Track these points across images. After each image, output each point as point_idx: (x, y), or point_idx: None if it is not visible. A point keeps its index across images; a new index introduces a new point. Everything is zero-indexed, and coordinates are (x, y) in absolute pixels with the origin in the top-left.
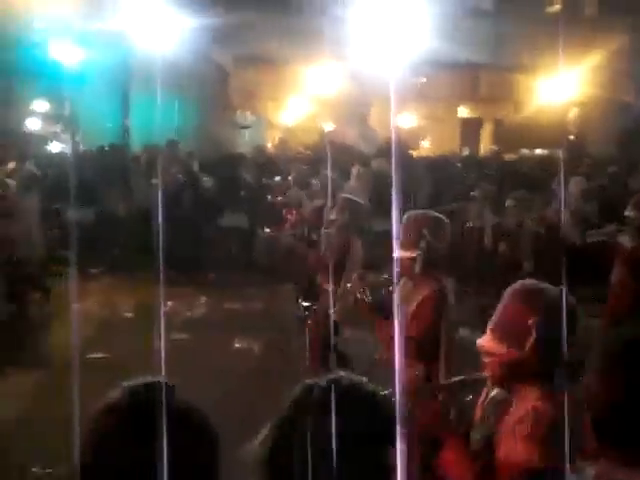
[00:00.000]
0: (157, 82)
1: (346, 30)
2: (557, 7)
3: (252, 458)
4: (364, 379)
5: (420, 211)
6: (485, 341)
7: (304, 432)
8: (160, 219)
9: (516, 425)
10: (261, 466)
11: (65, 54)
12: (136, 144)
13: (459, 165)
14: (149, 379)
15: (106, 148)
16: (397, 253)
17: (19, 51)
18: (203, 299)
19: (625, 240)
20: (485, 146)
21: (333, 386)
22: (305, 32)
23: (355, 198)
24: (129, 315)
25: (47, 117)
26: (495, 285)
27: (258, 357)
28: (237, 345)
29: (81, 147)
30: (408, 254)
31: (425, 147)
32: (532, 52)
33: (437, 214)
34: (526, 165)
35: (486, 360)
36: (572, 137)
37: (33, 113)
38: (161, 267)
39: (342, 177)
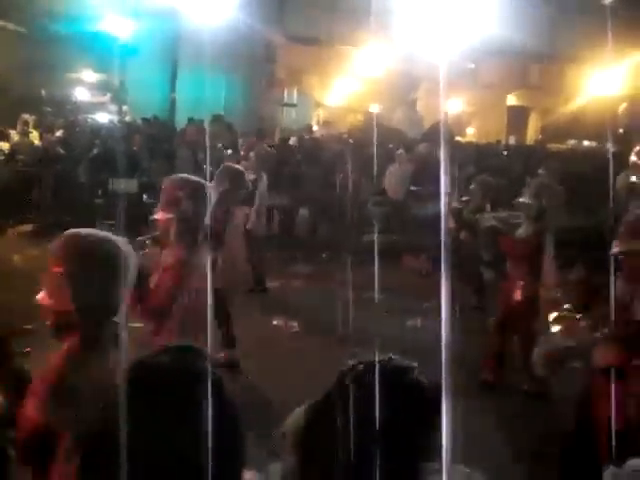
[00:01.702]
0: (205, 57)
1: (397, 12)
2: None
3: (288, 436)
4: (414, 363)
5: (180, 175)
6: None
7: (345, 413)
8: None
9: None
10: (297, 444)
11: (116, 26)
12: (182, 117)
13: (504, 153)
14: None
15: (152, 120)
16: (155, 215)
17: (71, 22)
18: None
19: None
20: (532, 135)
21: (377, 368)
22: (355, 12)
23: (236, 166)
24: None
25: (96, 87)
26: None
27: None
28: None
29: (128, 118)
30: (162, 216)
31: (470, 134)
32: (585, 43)
33: (198, 179)
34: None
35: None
36: (621, 130)
37: (82, 83)
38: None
39: (387, 160)
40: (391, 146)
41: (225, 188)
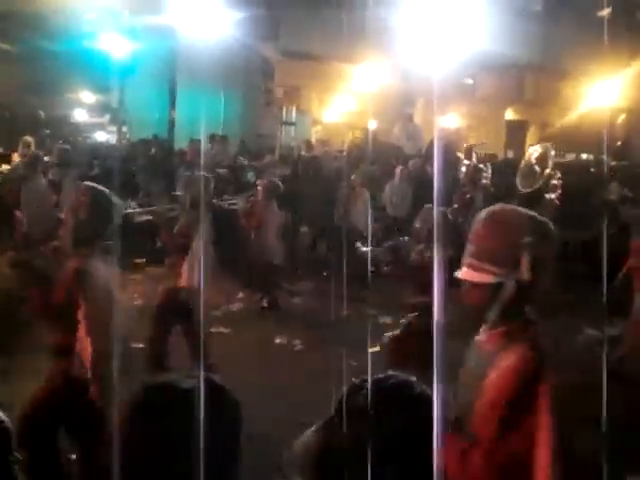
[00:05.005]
0: (203, 76)
1: (394, 28)
2: (607, 11)
3: (299, 457)
4: (413, 378)
5: (87, 183)
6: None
7: (353, 432)
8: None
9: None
10: (309, 465)
11: (114, 46)
12: (181, 136)
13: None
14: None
15: (151, 140)
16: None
17: (68, 42)
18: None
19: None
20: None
21: (381, 386)
22: (352, 29)
23: (202, 174)
24: None
25: (94, 108)
26: None
27: None
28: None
29: (127, 138)
30: (64, 221)
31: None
32: (581, 56)
33: (103, 189)
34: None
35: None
36: (619, 143)
37: (81, 103)
38: (202, 261)
39: (386, 175)
40: (392, 162)
41: (191, 197)
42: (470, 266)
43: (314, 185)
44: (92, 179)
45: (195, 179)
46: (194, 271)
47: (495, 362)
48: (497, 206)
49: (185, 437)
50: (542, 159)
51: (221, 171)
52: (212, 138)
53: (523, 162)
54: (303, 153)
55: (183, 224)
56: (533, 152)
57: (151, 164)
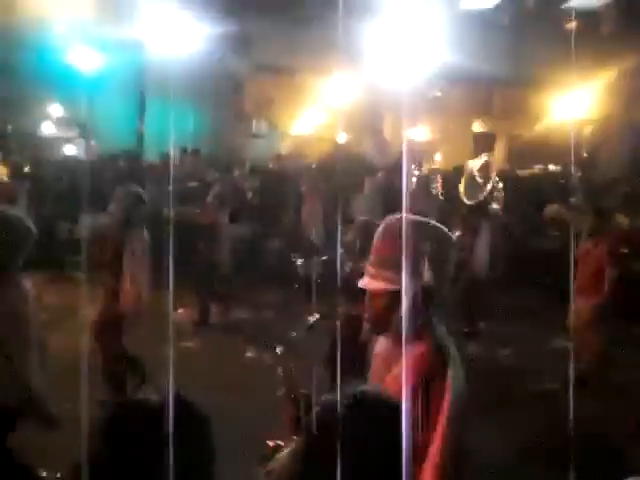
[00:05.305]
0: (172, 90)
1: (361, 41)
2: (573, 24)
3: (277, 474)
4: (381, 388)
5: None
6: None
7: (330, 450)
8: (171, 225)
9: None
10: None
11: (82, 59)
12: (150, 150)
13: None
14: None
15: (120, 153)
16: None
17: (36, 55)
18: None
19: None
20: (499, 161)
21: (357, 399)
22: (320, 43)
23: (134, 189)
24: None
25: (62, 122)
26: None
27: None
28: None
29: (95, 152)
30: None
31: (437, 161)
32: (548, 68)
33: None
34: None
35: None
36: (585, 154)
37: (48, 117)
38: (171, 275)
39: (355, 188)
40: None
41: (121, 211)
42: (371, 275)
43: (281, 198)
44: (61, 194)
45: (127, 193)
46: (129, 286)
47: (395, 366)
48: (394, 215)
49: (155, 453)
50: (484, 170)
51: (192, 185)
52: (183, 152)
53: (465, 174)
54: (271, 166)
55: (112, 239)
56: (475, 164)
57: (120, 178)
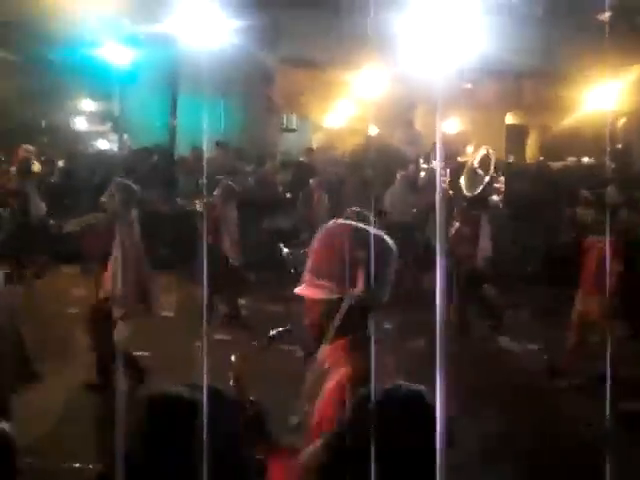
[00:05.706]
0: (204, 83)
1: (394, 34)
2: (607, 15)
3: (307, 467)
4: (422, 387)
5: None
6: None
7: (362, 443)
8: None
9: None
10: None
11: (115, 54)
12: (182, 144)
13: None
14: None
15: (152, 147)
16: None
17: (69, 50)
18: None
19: None
20: (531, 153)
21: (391, 396)
22: (352, 34)
23: (126, 181)
24: (169, 314)
25: (95, 116)
26: None
27: None
28: None
29: (128, 146)
30: None
31: (470, 153)
32: (581, 60)
33: None
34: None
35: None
36: (619, 146)
37: (81, 112)
38: (205, 268)
39: (387, 181)
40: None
41: (117, 204)
42: (308, 282)
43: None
44: (94, 188)
45: (121, 185)
46: (117, 278)
47: (330, 378)
48: (332, 222)
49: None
50: (484, 163)
51: (221, 178)
52: (215, 145)
53: (466, 166)
54: (302, 159)
55: (101, 230)
56: (475, 156)
57: (153, 172)
